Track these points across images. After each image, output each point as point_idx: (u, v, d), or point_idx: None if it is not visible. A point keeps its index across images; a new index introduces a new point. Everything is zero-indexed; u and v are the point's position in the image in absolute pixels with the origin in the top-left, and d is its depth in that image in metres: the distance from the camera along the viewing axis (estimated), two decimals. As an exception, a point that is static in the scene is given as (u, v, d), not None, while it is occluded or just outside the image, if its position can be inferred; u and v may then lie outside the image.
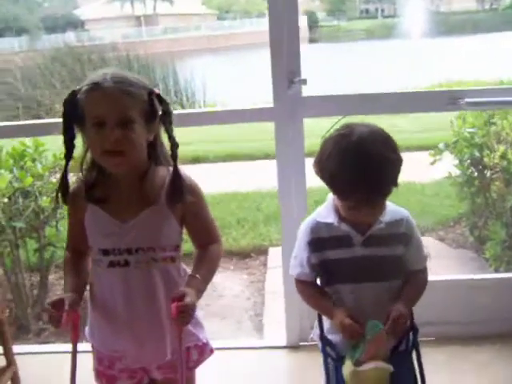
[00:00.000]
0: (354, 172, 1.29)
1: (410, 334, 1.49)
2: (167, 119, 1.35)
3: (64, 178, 1.36)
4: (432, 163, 3.12)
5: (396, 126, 6.55)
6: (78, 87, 1.30)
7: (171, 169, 1.37)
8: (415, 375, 1.50)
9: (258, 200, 4.32)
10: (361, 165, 1.28)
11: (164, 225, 1.36)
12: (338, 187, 1.36)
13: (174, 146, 1.36)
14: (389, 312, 1.38)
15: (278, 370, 2.27)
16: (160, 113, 1.34)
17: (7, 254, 2.77)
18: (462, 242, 3.59)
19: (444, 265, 3.22)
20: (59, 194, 1.37)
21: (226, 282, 3.38)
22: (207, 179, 5.59)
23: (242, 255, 3.72)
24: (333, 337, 1.49)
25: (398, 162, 1.33)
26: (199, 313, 1.51)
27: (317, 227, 1.46)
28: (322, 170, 1.38)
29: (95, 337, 1.47)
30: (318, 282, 1.53)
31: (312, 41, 15.30)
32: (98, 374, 1.50)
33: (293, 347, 2.34)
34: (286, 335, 2.35)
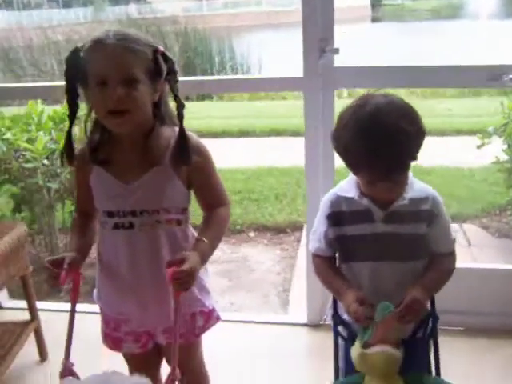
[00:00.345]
0: (366, 144, 1.22)
1: (429, 321, 1.42)
2: (173, 78, 1.31)
3: (68, 138, 1.34)
4: (479, 146, 2.96)
5: (449, 109, 6.32)
6: (81, 44, 1.27)
7: (177, 129, 1.33)
8: (430, 364, 1.43)
9: (298, 176, 4.24)
10: (374, 136, 1.21)
11: (168, 186, 1.33)
12: (351, 160, 1.29)
13: (180, 106, 1.32)
14: (404, 296, 1.30)
15: (296, 347, 2.24)
16: (165, 72, 1.30)
17: (42, 214, 2.84)
18: (505, 231, 3.42)
19: (484, 254, 3.07)
20: (64, 155, 1.36)
21: (259, 256, 3.37)
22: (250, 153, 5.62)
23: (277, 230, 3.68)
24: (347, 317, 1.42)
25: (417, 134, 1.25)
26: (207, 278, 1.48)
27: (337, 201, 1.40)
28: (336, 141, 1.32)
29: (102, 299, 1.47)
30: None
31: (375, 20, 14.88)
32: (105, 336, 1.50)
33: (314, 326, 2.30)
34: (307, 313, 2.31)
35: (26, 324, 2.12)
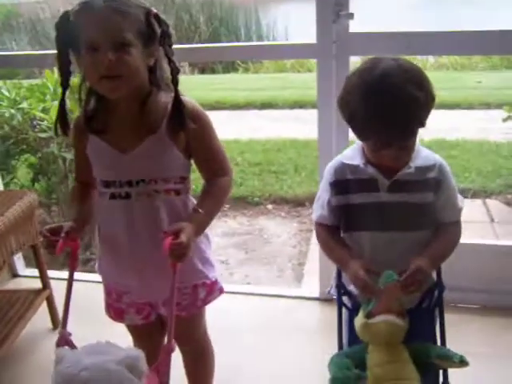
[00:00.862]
0: (372, 109, 1.17)
1: (435, 291, 1.38)
2: (167, 41, 1.25)
3: (61, 107, 1.30)
4: (505, 120, 2.84)
5: (479, 82, 6.12)
6: (70, 9, 1.21)
7: (172, 95, 1.27)
8: (435, 335, 1.38)
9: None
10: (380, 102, 1.16)
11: (165, 155, 1.28)
12: (359, 127, 1.24)
13: (175, 70, 1.26)
14: (408, 266, 1.26)
15: (307, 321, 2.22)
16: (159, 35, 1.24)
17: (58, 184, 2.85)
18: (530, 208, 3.31)
19: (507, 230, 2.97)
20: (58, 125, 1.31)
21: (276, 228, 3.34)
22: (271, 124, 5.57)
23: (296, 203, 3.64)
24: (352, 287, 1.39)
25: (425, 100, 1.19)
26: (209, 250, 1.45)
27: (341, 168, 1.36)
28: (343, 107, 1.26)
29: (103, 270, 1.45)
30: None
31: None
32: (107, 306, 1.49)
33: (325, 300, 2.26)
34: (319, 287, 2.27)
35: (38, 292, 2.14)
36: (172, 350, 1.21)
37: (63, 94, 1.29)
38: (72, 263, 1.32)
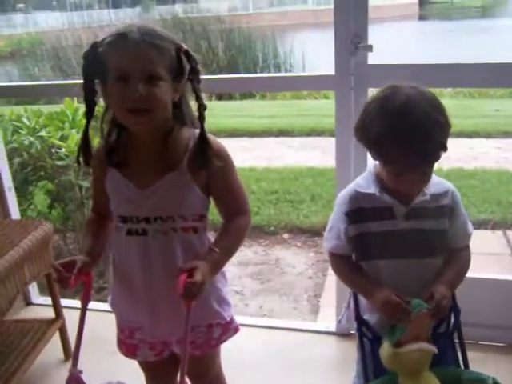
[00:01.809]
0: (398, 134, 1.19)
1: (452, 315, 1.39)
2: (195, 78, 1.25)
3: (85, 137, 1.29)
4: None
5: (497, 110, 6.07)
6: (100, 39, 1.22)
7: (197, 131, 1.26)
8: (458, 359, 1.38)
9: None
10: (406, 126, 1.18)
11: (185, 192, 1.26)
12: (383, 152, 1.25)
13: (202, 106, 1.26)
14: (431, 293, 1.28)
15: (323, 356, 2.16)
16: (188, 71, 1.24)
17: (74, 212, 2.86)
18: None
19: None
20: (81, 155, 1.30)
21: (292, 258, 3.30)
22: (288, 152, 5.56)
23: (312, 233, 3.59)
24: (368, 317, 1.40)
25: (447, 125, 1.22)
26: (226, 288, 1.42)
27: (356, 197, 1.35)
28: (364, 134, 1.27)
29: (115, 305, 1.42)
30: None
31: (422, 18, 14.57)
32: (119, 342, 1.46)
33: (342, 335, 2.21)
34: (335, 321, 2.22)
35: (51, 322, 2.12)
36: (185, 391, 1.17)
37: (87, 123, 1.28)
38: (85, 298, 1.30)
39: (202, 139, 1.25)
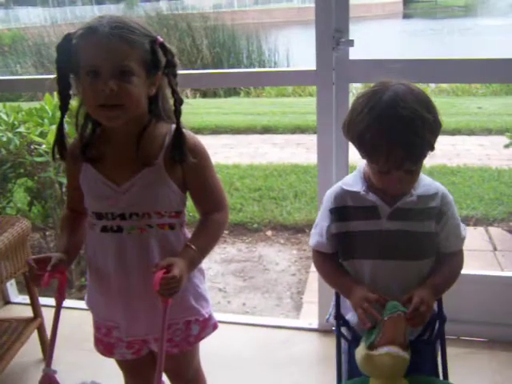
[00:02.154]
0: (384, 130, 1.16)
1: (436, 322, 1.34)
2: (171, 71, 1.22)
3: (60, 130, 1.26)
4: (507, 146, 2.81)
5: (479, 107, 6.13)
6: (72, 31, 1.18)
7: (174, 126, 1.24)
8: (437, 367, 1.34)
9: (318, 174, 4.16)
10: (392, 122, 1.16)
11: (161, 188, 1.24)
12: (367, 147, 1.21)
13: (178, 101, 1.23)
14: (410, 296, 1.24)
15: (305, 353, 2.14)
16: (164, 64, 1.21)
17: (54, 209, 2.81)
18: (533, 236, 3.25)
19: (509, 260, 2.91)
20: (56, 149, 1.27)
21: (275, 255, 3.28)
22: (272, 149, 5.55)
23: (295, 230, 3.58)
24: (351, 316, 1.37)
25: (435, 123, 1.19)
26: (203, 285, 1.40)
27: (341, 195, 1.34)
28: (350, 128, 1.25)
29: (91, 303, 1.40)
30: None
31: (406, 16, 14.66)
32: (96, 340, 1.43)
33: (325, 331, 2.20)
34: (318, 318, 2.21)
35: (28, 321, 2.08)
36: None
37: (62, 117, 1.25)
38: (59, 297, 1.27)
39: (178, 134, 1.23)
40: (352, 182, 1.34)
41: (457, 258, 1.35)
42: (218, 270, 3.09)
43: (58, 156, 1.28)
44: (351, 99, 1.87)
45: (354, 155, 1.82)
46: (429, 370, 1.31)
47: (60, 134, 1.26)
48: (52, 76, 1.25)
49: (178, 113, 1.23)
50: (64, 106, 1.24)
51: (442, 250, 1.34)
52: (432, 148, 1.20)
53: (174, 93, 1.23)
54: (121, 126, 1.21)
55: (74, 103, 1.28)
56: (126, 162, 1.23)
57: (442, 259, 1.34)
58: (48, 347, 1.23)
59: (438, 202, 1.30)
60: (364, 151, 1.24)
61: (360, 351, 1.23)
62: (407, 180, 1.24)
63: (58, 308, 1.26)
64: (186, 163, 1.23)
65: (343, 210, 1.33)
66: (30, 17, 13.51)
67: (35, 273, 1.20)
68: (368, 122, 1.18)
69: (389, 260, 1.30)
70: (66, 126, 1.28)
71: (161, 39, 1.20)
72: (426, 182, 1.32)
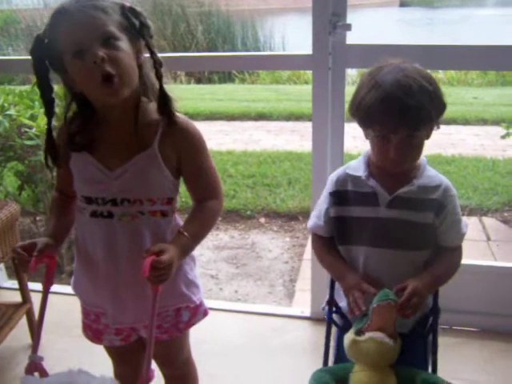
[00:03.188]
0: (380, 92, 1.17)
1: (430, 316, 1.34)
2: (146, 32, 1.17)
3: (49, 138, 1.22)
4: (503, 136, 2.79)
5: (475, 98, 6.11)
6: (41, 31, 1.15)
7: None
8: (427, 361, 1.33)
9: (312, 160, 4.13)
10: (390, 86, 1.17)
11: (155, 175, 1.20)
12: (364, 112, 1.21)
13: (157, 63, 1.18)
14: (404, 286, 1.23)
15: (297, 341, 2.13)
16: (138, 28, 1.16)
17: (45, 193, 2.77)
18: (528, 226, 3.25)
19: (504, 250, 2.91)
20: (48, 156, 1.23)
21: (268, 243, 3.26)
22: (266, 136, 5.52)
23: (288, 217, 3.56)
24: (344, 304, 1.36)
25: (435, 94, 1.20)
26: (194, 271, 1.37)
27: (343, 178, 1.34)
28: (351, 104, 1.26)
29: (78, 289, 1.37)
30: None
31: (403, 4, 14.57)
32: (84, 326, 1.40)
33: (317, 320, 2.19)
34: (310, 306, 2.19)
35: (17, 306, 2.06)
36: (150, 380, 1.12)
37: (49, 123, 1.21)
38: (47, 282, 1.24)
39: (162, 95, 1.19)
40: (356, 166, 1.33)
41: (455, 253, 1.34)
42: (211, 257, 3.07)
43: (51, 164, 1.24)
44: (347, 86, 1.85)
45: (350, 143, 1.80)
46: (419, 364, 1.30)
47: (49, 139, 1.22)
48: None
49: (159, 74, 1.19)
50: (50, 111, 1.20)
51: (441, 244, 1.33)
52: (431, 119, 1.20)
53: (153, 54, 1.18)
54: (116, 106, 1.17)
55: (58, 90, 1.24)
56: (120, 146, 1.20)
57: (440, 253, 1.33)
58: (35, 334, 1.20)
59: (439, 194, 1.28)
60: (362, 117, 1.23)
61: (348, 336, 1.22)
62: (405, 150, 1.21)
63: (45, 294, 1.24)
64: (179, 146, 1.19)
65: (343, 193, 1.33)
66: (23, -1, 13.32)
67: (22, 259, 1.17)
68: (366, 91, 1.20)
69: (384, 248, 1.29)
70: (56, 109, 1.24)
71: (128, 3, 1.16)
72: (431, 174, 1.30)
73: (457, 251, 1.34)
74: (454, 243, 1.33)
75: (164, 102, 1.19)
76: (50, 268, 1.24)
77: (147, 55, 1.20)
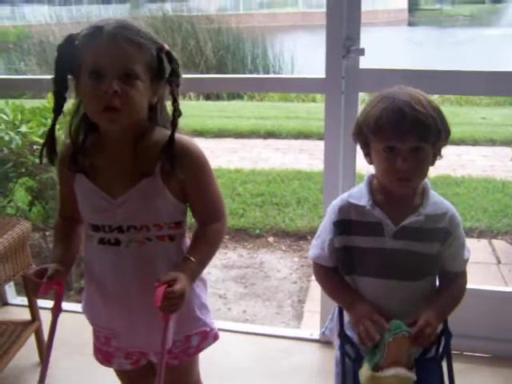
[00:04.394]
0: (391, 106, 1.18)
1: (442, 339, 1.32)
2: (175, 80, 1.18)
3: (51, 133, 1.20)
4: (513, 159, 2.78)
5: (483, 118, 6.11)
6: (75, 33, 1.15)
7: (169, 132, 1.20)
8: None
9: (322, 181, 4.12)
10: (400, 101, 1.17)
11: (159, 200, 1.19)
12: (373, 121, 1.20)
13: (177, 112, 1.19)
14: (416, 317, 1.22)
15: (306, 364, 2.12)
16: (168, 73, 1.18)
17: (55, 210, 2.78)
18: (537, 249, 3.22)
19: (513, 273, 2.88)
20: (44, 152, 1.21)
21: (276, 262, 3.25)
22: (275, 155, 5.53)
23: (297, 236, 3.55)
24: (351, 333, 1.33)
25: (443, 117, 1.21)
26: (205, 294, 1.37)
27: (347, 208, 1.30)
28: (360, 119, 1.26)
29: (89, 312, 1.36)
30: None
31: (411, 24, 14.66)
32: (95, 349, 1.40)
33: (326, 343, 2.16)
34: (319, 329, 2.18)
35: (26, 324, 2.05)
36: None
37: (54, 120, 1.20)
38: (55, 309, 1.24)
39: (170, 147, 1.17)
40: (359, 195, 1.30)
41: (461, 278, 1.34)
42: (219, 276, 3.06)
43: (46, 159, 1.22)
44: (360, 108, 1.86)
45: (361, 163, 1.80)
46: None
47: (51, 136, 1.21)
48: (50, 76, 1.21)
49: (175, 123, 1.19)
50: (58, 109, 1.19)
51: (447, 269, 1.31)
52: (439, 134, 1.19)
53: (175, 103, 1.19)
54: (118, 132, 1.18)
55: (68, 106, 1.22)
56: (122, 173, 1.20)
57: (446, 279, 1.32)
58: (43, 362, 1.20)
59: (446, 222, 1.27)
60: (370, 127, 1.21)
61: (364, 372, 1.21)
62: (413, 163, 1.18)
63: (54, 321, 1.24)
64: (183, 172, 1.19)
65: (348, 223, 1.30)
66: (36, 14, 13.49)
67: (35, 284, 1.17)
68: (374, 104, 1.22)
69: (389, 279, 1.28)
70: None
71: (167, 47, 1.17)
72: (436, 200, 1.28)
73: (462, 277, 1.34)
74: (460, 268, 1.33)
75: (170, 153, 1.17)
76: (59, 294, 1.23)
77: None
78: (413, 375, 1.16)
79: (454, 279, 1.32)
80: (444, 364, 1.33)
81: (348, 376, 1.32)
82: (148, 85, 1.14)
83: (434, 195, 1.29)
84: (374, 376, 1.17)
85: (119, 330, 1.30)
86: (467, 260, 1.33)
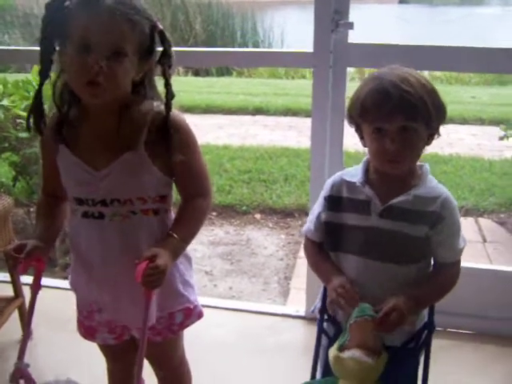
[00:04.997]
0: (376, 85, 1.16)
1: (424, 331, 1.30)
2: (167, 62, 1.15)
3: (37, 98, 1.16)
4: (501, 138, 2.78)
5: (473, 97, 6.11)
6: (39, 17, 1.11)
7: (157, 104, 1.17)
8: (416, 376, 1.29)
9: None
10: (387, 80, 1.15)
11: (143, 173, 1.17)
12: (361, 103, 1.19)
13: (169, 94, 1.16)
14: (386, 301, 1.19)
15: (291, 341, 2.12)
16: (159, 53, 1.15)
17: (39, 185, 2.74)
18: (524, 228, 3.25)
19: (499, 252, 2.90)
20: (31, 118, 1.17)
21: (263, 239, 3.25)
22: (263, 131, 5.50)
23: (284, 213, 3.54)
24: (337, 311, 1.32)
25: (433, 91, 1.18)
26: (190, 272, 1.35)
27: (339, 184, 1.31)
28: (349, 105, 1.24)
29: (74, 285, 1.34)
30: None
31: (402, 1, 14.52)
32: (79, 323, 1.39)
33: (311, 319, 2.17)
34: (305, 306, 2.18)
35: (9, 300, 2.03)
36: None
37: (41, 84, 1.15)
38: (35, 286, 1.22)
39: (165, 126, 1.15)
40: (353, 173, 1.30)
41: (450, 270, 1.28)
42: (205, 253, 3.05)
43: (32, 125, 1.17)
44: (348, 84, 1.84)
45: (349, 140, 1.79)
46: (408, 379, 1.28)
47: (38, 101, 1.16)
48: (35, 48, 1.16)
49: (168, 106, 1.16)
50: (44, 72, 1.14)
51: (436, 259, 1.28)
52: (429, 114, 1.16)
53: (167, 85, 1.16)
54: (102, 105, 1.14)
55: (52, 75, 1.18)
56: (105, 145, 1.16)
57: (436, 270, 1.29)
58: (22, 340, 1.18)
59: (437, 206, 1.22)
60: (358, 109, 1.20)
61: (332, 351, 1.20)
62: (401, 143, 1.16)
63: (33, 298, 1.21)
64: (170, 144, 1.16)
65: (337, 199, 1.30)
66: (20, -14, 13.18)
67: (13, 258, 1.15)
68: (365, 84, 1.19)
69: (372, 260, 1.25)
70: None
71: (161, 27, 1.13)
72: (431, 185, 1.25)
73: (453, 268, 1.28)
74: (450, 259, 1.27)
75: (164, 136, 1.16)
76: (39, 271, 1.21)
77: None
78: (370, 360, 1.13)
79: (443, 270, 1.28)
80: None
81: (323, 353, 1.33)
82: (136, 63, 1.11)
83: (432, 180, 1.26)
84: (337, 356, 1.17)
85: (105, 303, 1.28)
86: (461, 250, 1.27)
